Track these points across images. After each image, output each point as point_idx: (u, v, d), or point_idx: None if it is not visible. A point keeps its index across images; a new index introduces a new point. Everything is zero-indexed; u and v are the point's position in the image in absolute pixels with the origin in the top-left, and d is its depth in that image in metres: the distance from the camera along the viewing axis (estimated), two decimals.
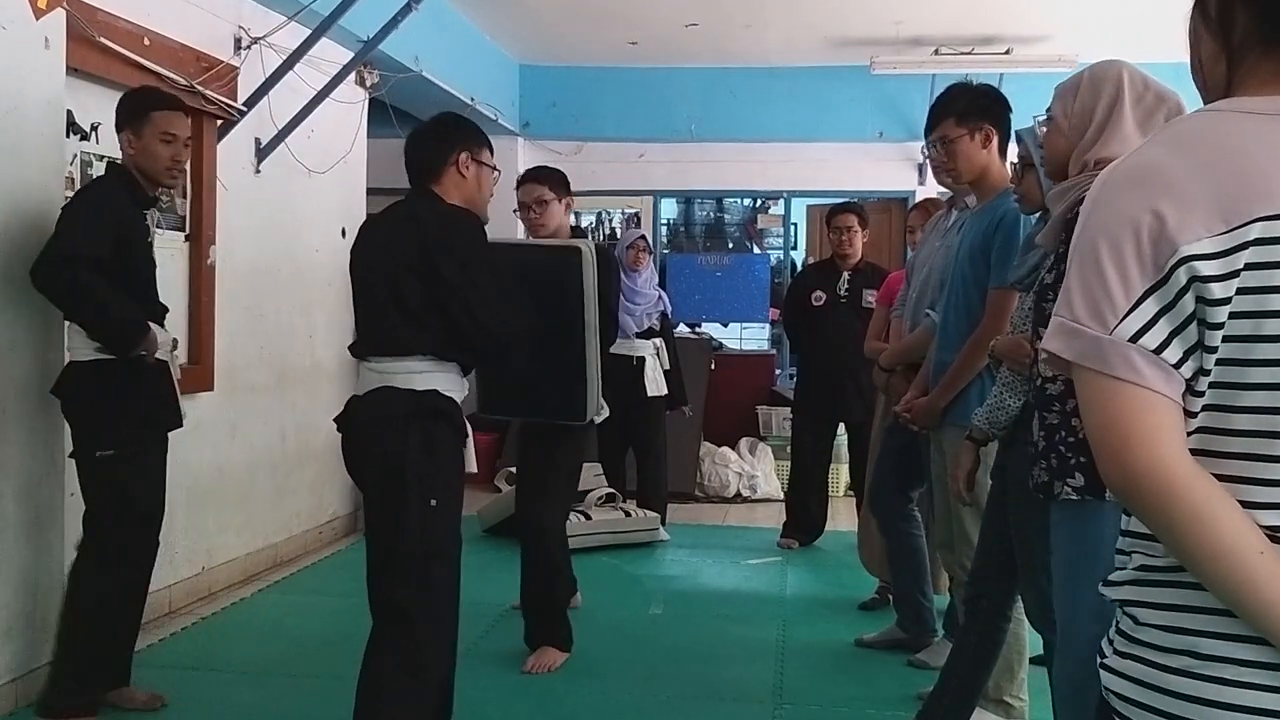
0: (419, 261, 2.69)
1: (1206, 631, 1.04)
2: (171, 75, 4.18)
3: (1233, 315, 1.02)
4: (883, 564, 4.45)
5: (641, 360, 5.66)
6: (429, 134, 2.98)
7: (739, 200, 9.58)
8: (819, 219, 7.99)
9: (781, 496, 6.47)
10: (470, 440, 2.84)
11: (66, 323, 3.27)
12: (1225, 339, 1.02)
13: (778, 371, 8.31)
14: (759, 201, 9.46)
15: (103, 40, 3.80)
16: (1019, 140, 2.80)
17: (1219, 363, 1.03)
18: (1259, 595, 0.99)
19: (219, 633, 4.21)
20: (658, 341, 5.75)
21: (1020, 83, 7.30)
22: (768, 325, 8.95)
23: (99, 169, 3.96)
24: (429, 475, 2.65)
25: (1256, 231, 1.01)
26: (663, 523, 5.91)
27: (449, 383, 2.76)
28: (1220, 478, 1.02)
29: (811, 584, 5.19)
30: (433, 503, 2.66)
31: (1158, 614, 1.08)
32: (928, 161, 3.61)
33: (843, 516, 6.22)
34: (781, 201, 9.11)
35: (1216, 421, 1.04)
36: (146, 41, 4.07)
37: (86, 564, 3.26)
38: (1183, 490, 1.00)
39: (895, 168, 8.36)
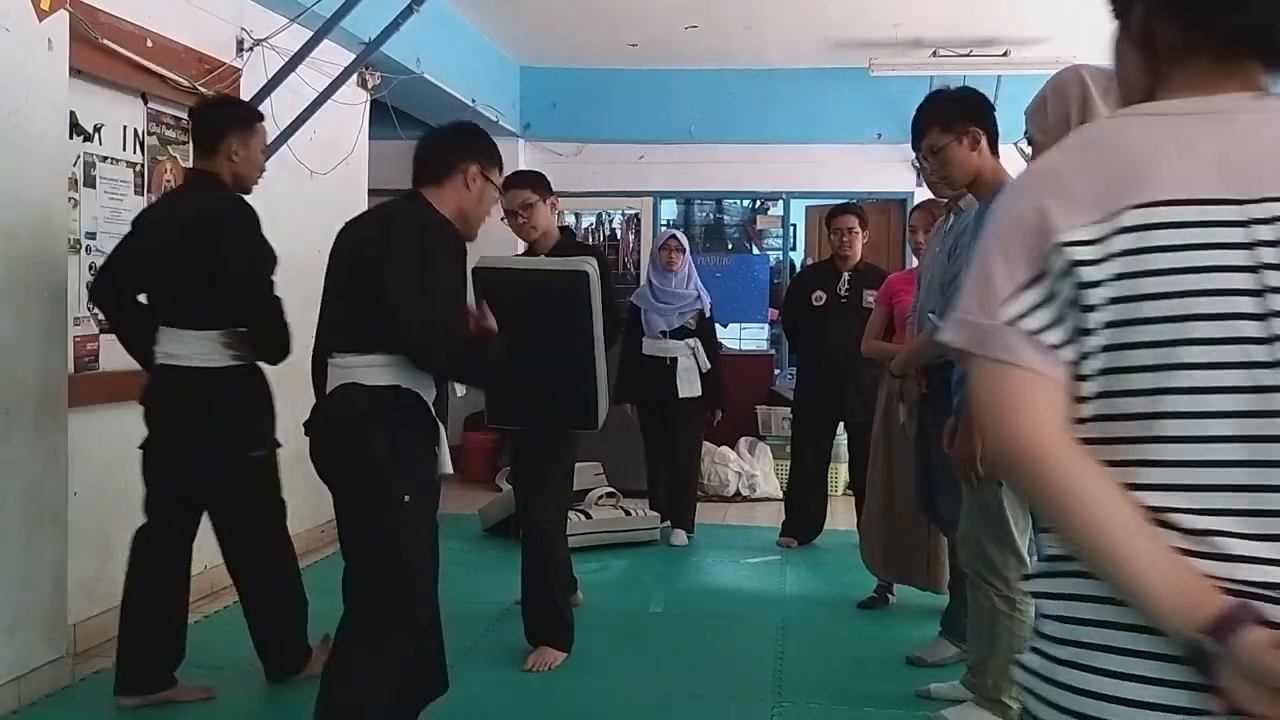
0: (379, 260, 2.63)
1: (1093, 620, 1.05)
2: (174, 77, 4.21)
3: (1111, 300, 1.05)
4: (883, 563, 4.48)
5: (674, 361, 5.66)
6: (448, 136, 2.96)
7: (738, 201, 9.59)
8: (818, 220, 8.00)
9: (780, 496, 6.50)
10: (444, 436, 2.79)
11: (165, 328, 3.30)
12: (1107, 324, 1.06)
13: (777, 371, 8.34)
14: (758, 202, 9.47)
15: (105, 42, 3.82)
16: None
17: (1105, 349, 1.06)
18: (1127, 568, 1.00)
19: (220, 631, 4.22)
20: (692, 341, 5.71)
21: (1018, 85, 7.31)
22: (767, 325, 8.98)
23: (102, 170, 4.00)
24: (394, 473, 2.61)
25: (1129, 219, 1.05)
26: (690, 528, 5.90)
27: (413, 379, 2.69)
28: (1113, 463, 1.05)
29: (810, 582, 5.21)
30: (406, 498, 2.61)
31: (1055, 604, 1.10)
32: (920, 172, 3.55)
33: (841, 516, 6.24)
34: (780, 202, 9.13)
35: (1107, 408, 1.07)
36: (149, 43, 4.10)
37: (272, 541, 3.53)
38: (1051, 463, 1.03)
39: (894, 169, 8.38)
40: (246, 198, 3.38)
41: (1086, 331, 1.07)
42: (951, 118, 3.16)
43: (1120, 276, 1.05)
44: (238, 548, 3.52)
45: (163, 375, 3.29)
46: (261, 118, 3.51)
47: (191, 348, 3.26)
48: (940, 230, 3.74)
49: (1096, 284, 1.05)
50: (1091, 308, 1.06)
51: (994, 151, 3.20)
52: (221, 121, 3.35)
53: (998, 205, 1.14)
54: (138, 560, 3.34)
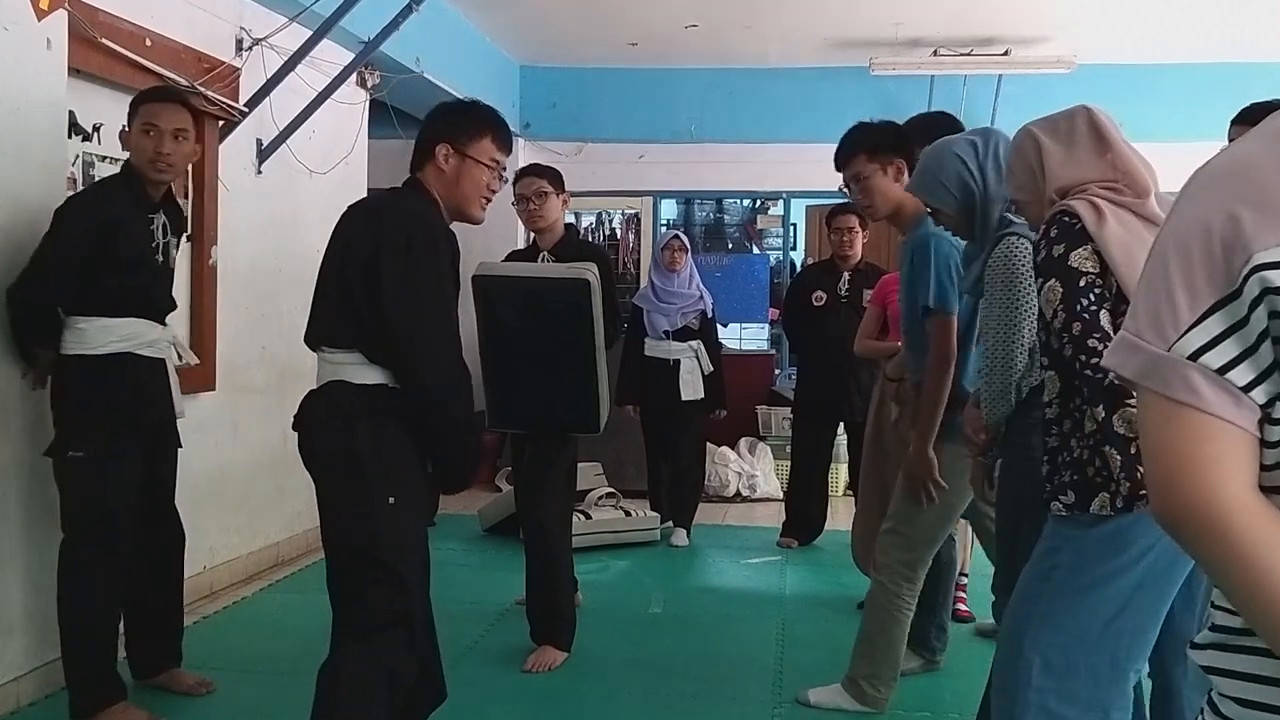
0: (370, 258, 2.56)
1: (1271, 706, 0.91)
2: (173, 76, 4.20)
3: None
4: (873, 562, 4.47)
5: (677, 363, 5.66)
6: (427, 119, 2.80)
7: (738, 201, 9.59)
8: (818, 219, 7.99)
9: (781, 496, 6.49)
10: None
11: (70, 318, 3.19)
12: None
13: (777, 371, 8.33)
14: (758, 202, 9.47)
15: (104, 41, 3.81)
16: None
17: None
18: None
19: (221, 631, 4.23)
20: (695, 344, 5.72)
21: (1019, 84, 7.34)
22: (767, 325, 8.98)
23: (101, 170, 3.99)
24: (380, 475, 2.56)
25: None
26: (688, 529, 5.90)
27: None
28: None
29: (810, 583, 5.21)
30: (390, 500, 2.56)
31: (1232, 684, 0.95)
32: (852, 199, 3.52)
33: (841, 516, 6.23)
34: (781, 202, 9.13)
35: None
36: (148, 42, 4.09)
37: (64, 565, 3.18)
38: (1237, 532, 0.87)
39: None
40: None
41: None
42: (878, 148, 3.22)
43: None
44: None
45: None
46: (146, 98, 3.30)
47: None
48: None
49: None
50: None
51: None
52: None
53: (1176, 204, 0.94)
54: None
